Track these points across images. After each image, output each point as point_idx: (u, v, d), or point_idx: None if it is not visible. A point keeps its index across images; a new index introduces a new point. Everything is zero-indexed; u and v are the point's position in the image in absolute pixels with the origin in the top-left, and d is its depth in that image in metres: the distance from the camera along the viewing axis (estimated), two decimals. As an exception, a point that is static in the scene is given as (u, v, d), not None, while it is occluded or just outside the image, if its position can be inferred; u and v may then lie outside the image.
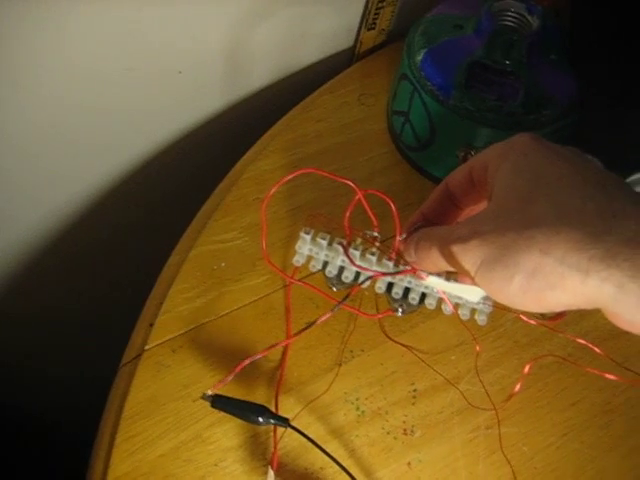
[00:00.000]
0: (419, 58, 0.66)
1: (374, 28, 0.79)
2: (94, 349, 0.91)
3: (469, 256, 0.40)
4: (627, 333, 0.37)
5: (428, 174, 0.69)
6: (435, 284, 0.53)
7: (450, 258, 0.42)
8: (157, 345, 0.59)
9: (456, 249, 0.41)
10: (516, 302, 0.39)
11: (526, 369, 0.58)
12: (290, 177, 0.56)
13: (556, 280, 0.35)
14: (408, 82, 0.67)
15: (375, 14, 0.76)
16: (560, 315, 0.62)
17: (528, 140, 0.42)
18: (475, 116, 0.63)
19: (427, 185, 0.69)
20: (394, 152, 0.72)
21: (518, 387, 0.58)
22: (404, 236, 0.50)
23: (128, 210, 0.84)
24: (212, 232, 0.65)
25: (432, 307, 0.58)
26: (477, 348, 0.59)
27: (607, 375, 0.54)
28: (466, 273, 0.41)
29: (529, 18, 0.65)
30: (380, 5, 0.76)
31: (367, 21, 0.77)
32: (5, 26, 0.56)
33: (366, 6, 0.76)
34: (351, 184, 0.55)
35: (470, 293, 0.52)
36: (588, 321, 0.63)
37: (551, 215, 0.37)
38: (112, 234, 0.85)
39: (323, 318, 0.54)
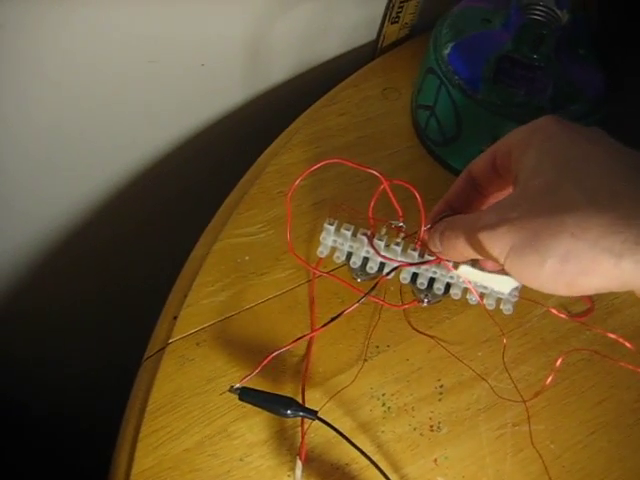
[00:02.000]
0: (446, 52, 0.65)
1: (397, 22, 0.78)
2: (117, 342, 0.91)
3: (498, 243, 0.39)
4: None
5: (453, 169, 0.69)
6: (466, 274, 0.52)
7: (477, 246, 0.41)
8: (181, 338, 0.59)
9: (484, 236, 0.40)
10: (548, 287, 0.38)
11: (558, 362, 0.57)
12: (315, 167, 0.55)
13: (589, 264, 0.35)
14: (435, 76, 0.66)
15: (399, 8, 0.76)
16: (588, 311, 0.62)
17: (552, 122, 0.41)
18: (503, 111, 0.62)
19: (452, 180, 0.67)
20: (418, 146, 0.72)
21: (550, 380, 0.57)
22: (429, 226, 0.49)
23: (151, 203, 0.83)
24: (236, 225, 0.65)
25: (457, 297, 0.57)
26: (504, 341, 0.59)
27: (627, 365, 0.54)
28: (495, 260, 0.41)
29: (558, 12, 0.64)
30: (404, -1, 0.75)
31: (391, 14, 0.76)
32: (29, 18, 0.56)
33: (390, 0, 0.75)
34: (376, 174, 0.54)
35: (502, 284, 0.51)
36: (615, 318, 0.62)
37: (581, 199, 0.36)
38: (135, 227, 0.85)
39: (350, 309, 0.53)
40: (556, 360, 0.58)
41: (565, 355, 0.59)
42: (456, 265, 0.52)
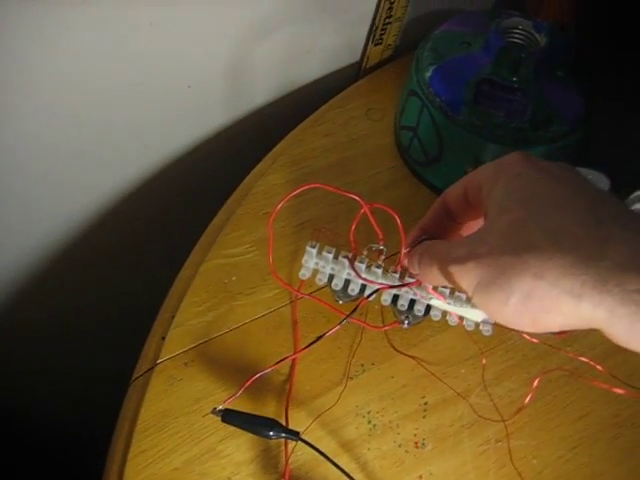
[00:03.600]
0: (428, 74, 0.67)
1: (381, 43, 0.79)
2: (105, 363, 0.91)
3: (465, 277, 0.41)
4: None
5: (436, 188, 0.70)
6: (439, 306, 0.54)
7: (449, 277, 0.43)
8: (169, 358, 0.59)
9: (454, 270, 0.42)
10: (513, 323, 0.39)
11: (535, 383, 0.58)
12: (295, 193, 0.57)
13: (551, 303, 0.36)
14: (417, 98, 0.68)
15: (382, 30, 0.77)
16: (563, 332, 0.63)
17: (520, 159, 0.42)
18: (483, 132, 0.64)
19: (434, 200, 0.69)
20: (402, 167, 0.73)
21: (528, 399, 0.58)
22: (407, 250, 0.51)
23: (137, 223, 0.84)
24: (223, 246, 0.66)
25: (437, 318, 0.58)
26: (483, 361, 0.60)
27: (615, 389, 0.55)
28: (464, 292, 0.42)
29: (536, 35, 0.66)
30: (387, 21, 0.76)
31: (374, 36, 0.78)
32: (19, 39, 0.57)
33: (373, 22, 0.77)
34: (357, 198, 0.56)
35: (473, 313, 0.53)
36: (595, 334, 0.63)
37: (544, 239, 0.37)
38: (121, 247, 0.85)
39: (331, 332, 0.55)
40: (535, 378, 0.59)
41: (543, 375, 0.60)
42: (430, 296, 0.54)
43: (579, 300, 0.35)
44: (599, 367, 0.57)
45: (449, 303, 0.53)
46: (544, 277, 0.36)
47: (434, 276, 0.45)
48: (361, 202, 0.56)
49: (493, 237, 0.40)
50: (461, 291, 0.42)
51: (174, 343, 0.60)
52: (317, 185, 0.57)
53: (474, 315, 0.54)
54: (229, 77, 0.74)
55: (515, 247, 0.38)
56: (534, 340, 0.58)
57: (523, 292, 0.37)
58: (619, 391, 0.52)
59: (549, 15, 0.76)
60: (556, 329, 0.38)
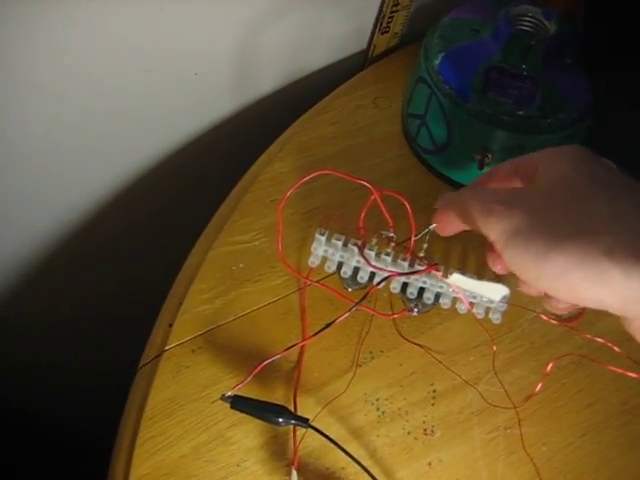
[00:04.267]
0: (437, 62, 0.66)
1: (388, 32, 0.79)
2: (112, 349, 0.91)
3: (507, 220, 0.40)
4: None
5: (444, 177, 0.70)
6: (457, 282, 0.53)
7: (483, 217, 0.42)
8: (177, 345, 0.59)
9: (497, 209, 0.41)
10: (544, 282, 0.39)
11: (548, 367, 0.58)
12: (307, 178, 0.57)
13: (598, 273, 0.36)
14: (425, 85, 0.67)
15: (389, 18, 0.77)
16: (578, 316, 0.63)
17: (581, 151, 0.43)
18: (493, 119, 0.63)
19: (443, 188, 0.70)
20: (409, 155, 0.72)
21: (539, 387, 0.58)
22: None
23: (145, 210, 0.84)
24: (230, 233, 0.65)
25: (447, 306, 0.58)
26: (494, 348, 0.60)
27: (629, 373, 0.55)
28: (493, 237, 0.41)
29: (545, 23, 0.65)
30: (394, 9, 0.76)
31: (381, 24, 0.77)
32: (25, 28, 0.57)
33: (380, 10, 0.76)
34: (367, 185, 0.56)
35: (492, 291, 0.53)
36: (604, 322, 0.63)
37: (604, 212, 0.38)
38: (129, 235, 0.85)
39: (340, 319, 0.55)
40: (547, 364, 0.59)
41: (555, 360, 0.60)
42: (447, 274, 0.54)
43: (627, 275, 0.35)
44: (616, 348, 0.57)
45: (465, 276, 0.53)
46: (599, 245, 0.36)
47: (461, 213, 0.45)
48: (372, 189, 0.56)
49: (550, 198, 0.40)
50: (489, 235, 0.41)
51: (181, 330, 0.60)
52: (328, 171, 0.57)
53: (490, 291, 0.53)
54: (236, 65, 0.73)
55: (572, 211, 0.38)
56: (551, 321, 0.58)
57: (571, 254, 0.37)
58: (632, 375, 0.52)
59: (557, 3, 0.76)
60: (589, 303, 0.38)
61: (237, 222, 0.66)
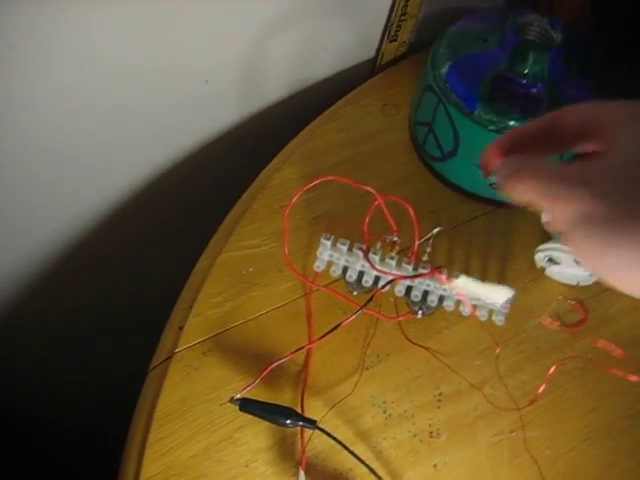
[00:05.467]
0: (444, 70, 0.67)
1: (396, 40, 0.80)
2: (122, 353, 0.92)
3: (576, 206, 0.36)
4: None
5: (450, 184, 0.71)
6: (464, 284, 0.54)
7: (549, 201, 0.38)
8: (187, 348, 0.60)
9: (564, 193, 0.37)
10: (609, 275, 0.36)
11: (551, 370, 0.59)
12: (311, 185, 0.58)
13: None
14: (433, 93, 0.68)
15: (397, 26, 0.78)
16: (582, 321, 0.63)
17: None
18: (500, 127, 0.64)
19: (449, 194, 0.71)
20: (416, 162, 0.73)
21: (542, 388, 0.59)
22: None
23: (156, 216, 0.85)
24: (240, 238, 0.66)
25: (451, 309, 0.60)
26: (497, 350, 0.61)
27: (630, 377, 0.55)
28: (560, 221, 0.37)
29: (552, 32, 0.66)
30: (402, 18, 0.77)
31: (389, 33, 0.79)
32: (36, 37, 0.58)
33: (388, 19, 0.78)
34: (372, 190, 0.58)
35: (496, 294, 0.54)
36: (609, 328, 0.64)
37: None
38: (140, 240, 0.86)
39: (347, 322, 0.56)
40: (549, 368, 0.60)
41: (559, 363, 0.61)
42: (453, 276, 0.55)
43: None
44: (619, 350, 0.58)
45: (470, 278, 0.54)
46: None
47: (532, 188, 0.39)
48: (376, 194, 0.58)
49: (630, 173, 0.36)
50: (558, 215, 0.38)
51: (192, 333, 0.61)
52: (333, 178, 0.58)
53: (495, 294, 0.54)
54: (245, 73, 0.75)
55: None
56: (554, 326, 0.59)
57: None
58: (634, 378, 0.52)
59: (562, 12, 0.77)
60: None
61: (246, 227, 0.67)
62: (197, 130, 0.79)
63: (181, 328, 0.61)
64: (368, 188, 0.57)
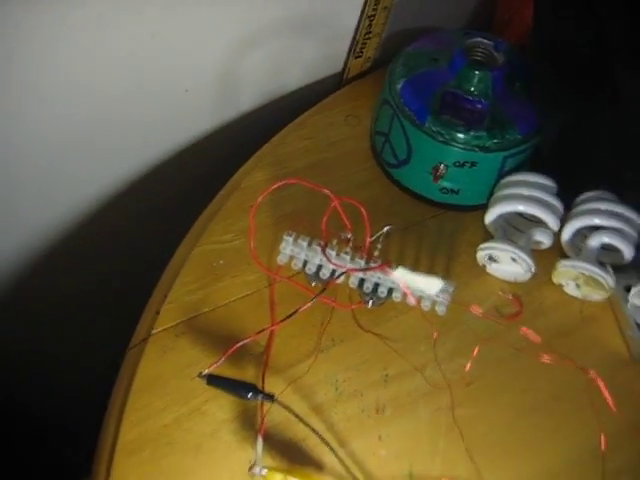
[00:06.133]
0: (399, 86, 0.75)
1: (361, 56, 0.88)
2: (102, 335, 0.99)
3: None
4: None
5: (404, 188, 0.78)
6: (401, 275, 0.62)
7: None
8: (162, 330, 0.67)
9: None
10: None
11: (475, 351, 0.66)
12: (275, 187, 0.66)
13: None
14: (389, 107, 0.76)
15: (362, 44, 0.86)
16: (517, 314, 0.71)
17: None
18: (446, 138, 0.72)
19: (403, 198, 0.78)
20: (375, 168, 0.81)
21: (469, 366, 0.66)
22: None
23: (135, 212, 0.92)
24: (213, 233, 0.73)
25: (398, 299, 0.67)
26: (434, 334, 0.67)
27: (556, 363, 0.63)
28: None
29: (496, 54, 0.74)
30: (367, 36, 0.85)
31: (355, 50, 0.86)
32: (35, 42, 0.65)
33: (354, 37, 0.85)
34: (328, 192, 0.65)
35: (429, 285, 0.61)
36: (540, 320, 0.71)
37: None
38: (121, 233, 0.93)
39: (304, 307, 0.63)
40: (478, 351, 0.67)
41: (482, 344, 0.67)
42: (392, 269, 0.63)
43: None
44: (535, 338, 0.65)
45: (406, 270, 0.62)
46: None
47: None
48: (332, 196, 0.65)
49: None
50: None
51: (167, 317, 0.68)
52: (295, 181, 0.66)
53: (428, 285, 0.62)
54: (222, 84, 0.82)
55: None
56: (490, 318, 0.67)
57: None
58: (559, 363, 0.60)
59: (512, 36, 0.85)
60: None
61: (219, 224, 0.74)
62: (175, 136, 0.86)
63: (157, 313, 0.68)
64: (325, 191, 0.64)
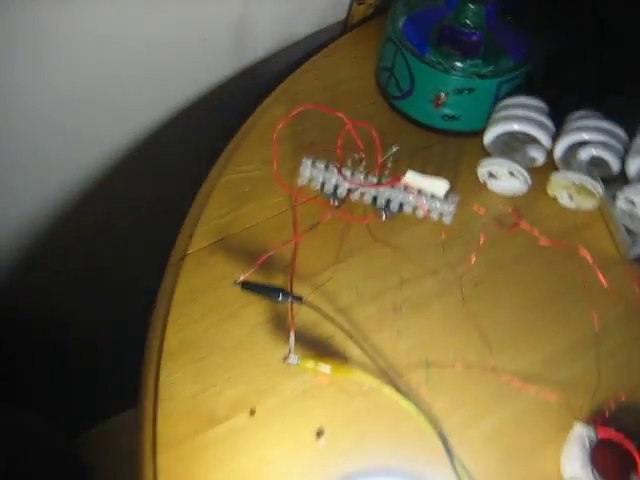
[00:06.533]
0: (401, 24, 0.82)
1: (363, 3, 0.95)
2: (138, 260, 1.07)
3: None
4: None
5: (408, 117, 0.86)
6: (411, 178, 0.69)
7: None
8: (197, 251, 0.74)
9: None
10: None
11: (481, 241, 0.74)
12: (296, 112, 0.73)
13: None
14: (392, 43, 0.83)
15: (364, -9, 0.93)
16: (516, 224, 0.78)
17: None
18: (446, 67, 0.79)
19: (408, 127, 0.86)
20: (381, 102, 0.88)
21: (474, 259, 0.74)
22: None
23: (160, 156, 1.00)
24: (237, 164, 0.81)
25: (409, 212, 0.74)
26: (443, 235, 0.75)
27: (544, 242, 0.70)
28: None
29: (489, -11, 0.81)
30: (368, -16, 0.92)
31: (357, -3, 0.93)
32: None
33: (357, -15, 0.92)
34: (342, 116, 0.72)
35: (437, 187, 0.69)
36: (538, 228, 0.78)
37: None
38: (153, 171, 1.01)
39: (324, 219, 0.70)
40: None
41: (485, 235, 0.75)
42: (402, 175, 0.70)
43: None
44: (544, 240, 0.73)
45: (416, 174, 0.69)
46: None
47: None
48: (345, 119, 0.72)
49: None
50: None
51: (200, 239, 0.75)
52: (311, 106, 0.73)
53: (436, 187, 0.69)
54: (236, 33, 0.89)
55: None
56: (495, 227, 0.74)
57: None
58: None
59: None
60: None
61: (242, 155, 0.82)
62: (196, 82, 0.93)
63: (191, 236, 0.76)
64: (339, 114, 0.72)
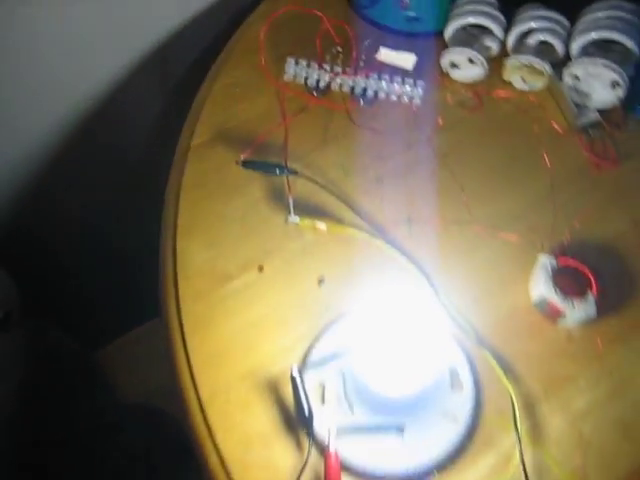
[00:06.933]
0: (364, -63, 0.92)
1: None
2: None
3: None
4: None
5: (377, 24, 0.96)
6: (383, 55, 0.79)
7: None
8: (198, 144, 0.84)
9: None
10: None
11: (441, 122, 0.85)
12: (281, 12, 0.83)
13: None
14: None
15: None
16: (478, 106, 0.89)
17: None
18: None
19: (377, 32, 0.96)
20: (351, 13, 0.99)
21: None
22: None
23: (166, 68, 1.10)
24: (227, 70, 0.91)
25: (383, 98, 0.84)
26: (413, 115, 0.86)
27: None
28: None
29: None
30: None
31: None
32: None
33: None
34: (320, 14, 0.82)
35: (407, 60, 0.79)
36: (497, 112, 0.89)
37: None
38: (152, 93, 1.11)
39: (310, 104, 0.81)
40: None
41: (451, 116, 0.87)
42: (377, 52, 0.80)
43: None
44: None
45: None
46: None
47: None
48: (322, 17, 0.83)
49: None
50: None
51: (201, 133, 0.85)
52: (292, 7, 0.83)
53: (407, 61, 0.80)
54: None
55: None
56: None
57: None
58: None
59: None
60: None
61: (231, 63, 0.92)
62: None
63: (192, 132, 0.85)
64: (318, 13, 0.82)
